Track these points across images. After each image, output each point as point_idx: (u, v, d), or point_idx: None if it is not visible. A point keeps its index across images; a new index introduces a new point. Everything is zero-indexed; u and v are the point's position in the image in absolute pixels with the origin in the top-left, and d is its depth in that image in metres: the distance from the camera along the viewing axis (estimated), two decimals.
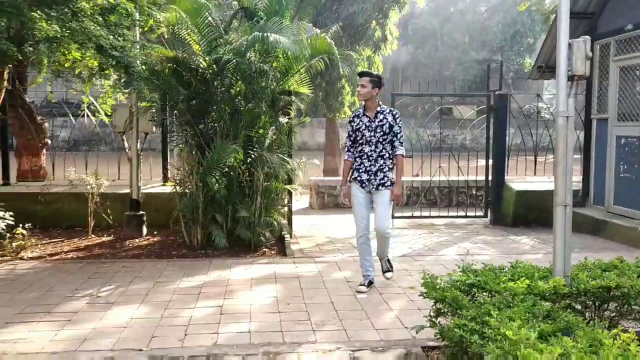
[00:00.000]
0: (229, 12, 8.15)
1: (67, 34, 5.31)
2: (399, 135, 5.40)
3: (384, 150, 5.38)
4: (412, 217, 9.61)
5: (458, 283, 3.63)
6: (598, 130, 9.19)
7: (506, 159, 9.76)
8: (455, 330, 3.05)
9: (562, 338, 2.72)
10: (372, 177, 5.38)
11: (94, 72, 7.25)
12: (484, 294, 3.55)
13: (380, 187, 5.38)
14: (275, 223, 7.48)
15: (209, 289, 5.51)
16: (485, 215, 9.68)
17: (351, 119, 5.51)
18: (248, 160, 7.33)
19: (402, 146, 5.42)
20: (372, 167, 5.37)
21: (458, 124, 21.91)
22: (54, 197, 8.46)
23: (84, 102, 10.12)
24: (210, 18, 7.32)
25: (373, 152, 5.37)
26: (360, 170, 5.42)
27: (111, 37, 5.72)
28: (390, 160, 5.42)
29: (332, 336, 4.28)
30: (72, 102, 12.13)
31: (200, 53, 7.38)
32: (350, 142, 5.50)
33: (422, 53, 40.59)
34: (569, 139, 3.82)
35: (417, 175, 10.80)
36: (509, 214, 9.46)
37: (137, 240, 7.80)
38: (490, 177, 9.67)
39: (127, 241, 7.74)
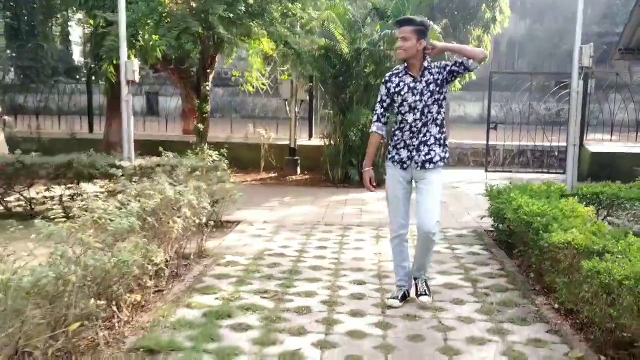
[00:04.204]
0: (364, 10, 10.94)
1: (266, 35, 8.44)
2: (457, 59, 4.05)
3: (431, 117, 4.03)
4: (502, 171, 12.04)
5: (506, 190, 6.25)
6: None
7: (585, 126, 11.85)
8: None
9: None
10: (415, 152, 4.06)
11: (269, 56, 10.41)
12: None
13: (426, 165, 4.06)
14: None
15: (351, 201, 8.51)
16: (564, 173, 11.88)
17: (388, 78, 4.12)
18: None
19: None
20: (414, 139, 4.04)
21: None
22: (233, 145, 11.83)
23: (234, 76, 13.28)
24: (351, 17, 10.18)
25: (418, 122, 4.02)
26: (399, 146, 4.10)
27: (291, 34, 8.76)
28: (439, 129, 4.09)
29: None
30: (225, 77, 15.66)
31: (343, 42, 10.26)
32: (382, 110, 4.15)
33: (540, 27, 40.99)
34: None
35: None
36: (584, 171, 11.62)
37: (294, 176, 10.99)
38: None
39: (287, 177, 10.94)
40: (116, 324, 3.61)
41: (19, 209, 7.11)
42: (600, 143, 12.52)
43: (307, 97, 11.58)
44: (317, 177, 10.80)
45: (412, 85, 4.05)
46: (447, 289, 4.61)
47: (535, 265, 4.77)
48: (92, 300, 3.05)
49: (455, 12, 18.90)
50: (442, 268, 5.19)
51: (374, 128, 4.21)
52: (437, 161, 4.09)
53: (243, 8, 7.89)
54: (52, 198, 6.94)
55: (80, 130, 13.17)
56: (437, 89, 4.04)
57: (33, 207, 7.08)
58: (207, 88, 9.77)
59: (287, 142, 11.55)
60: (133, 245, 3.49)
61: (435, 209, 4.07)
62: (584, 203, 5.58)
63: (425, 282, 4.34)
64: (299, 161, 11.26)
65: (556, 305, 4.18)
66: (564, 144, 13.43)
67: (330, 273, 5.00)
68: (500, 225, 6.00)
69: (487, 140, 12.00)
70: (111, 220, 3.34)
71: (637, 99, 14.54)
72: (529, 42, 41.34)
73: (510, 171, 12.00)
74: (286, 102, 11.28)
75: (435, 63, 4.10)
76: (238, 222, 6.91)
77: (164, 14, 8.09)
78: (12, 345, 2.50)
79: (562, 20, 40.51)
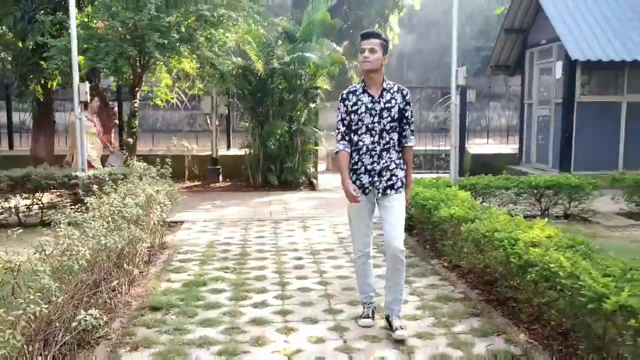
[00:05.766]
0: (276, 33, 12.27)
1: (195, 57, 9.55)
2: (411, 122, 4.06)
3: (391, 142, 3.96)
4: None
5: None
6: (527, 112, 13.30)
7: (466, 133, 13.88)
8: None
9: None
10: (377, 178, 3.97)
11: (190, 74, 11.45)
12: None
13: (388, 191, 3.99)
14: (307, 171, 11.72)
15: (274, 202, 9.77)
16: None
17: (345, 95, 4.00)
18: (291, 131, 11.51)
19: (413, 135, 4.13)
20: (376, 165, 3.95)
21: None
22: (159, 157, 12.69)
23: (144, 91, 14.12)
24: (265, 40, 11.47)
25: (376, 145, 3.93)
26: (360, 171, 3.99)
27: (216, 57, 9.90)
28: (397, 155, 4.03)
29: (344, 214, 8.49)
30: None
31: (258, 62, 11.51)
32: (345, 128, 4.01)
33: (426, 42, 44.41)
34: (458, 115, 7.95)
35: None
36: (467, 169, 13.61)
37: (217, 184, 12.07)
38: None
39: (210, 184, 11.99)
40: (118, 294, 4.66)
41: None
42: (479, 146, 14.64)
43: (227, 111, 12.71)
44: (239, 184, 11.93)
45: (370, 105, 3.92)
46: None
47: (429, 237, 6.30)
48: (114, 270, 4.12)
49: (351, 31, 20.70)
50: None
51: (340, 147, 4.01)
52: (399, 187, 4.01)
53: (176, 35, 8.96)
54: (9, 209, 7.63)
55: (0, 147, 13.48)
56: (397, 115, 3.94)
57: None
58: (136, 105, 10.66)
59: (207, 153, 12.59)
60: (131, 231, 4.57)
61: (401, 226, 3.99)
62: (464, 190, 7.20)
63: (398, 316, 4.04)
64: (220, 170, 12.35)
65: (445, 264, 5.71)
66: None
67: (273, 253, 6.25)
68: None
69: None
70: (126, 208, 4.41)
71: (513, 107, 16.95)
72: (416, 55, 44.60)
73: None
74: (208, 116, 12.35)
75: (399, 86, 4.04)
76: (182, 222, 7.96)
77: (98, 39, 8.97)
78: (80, 294, 3.54)
79: (446, 36, 44.14)
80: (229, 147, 13.77)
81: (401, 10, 21.63)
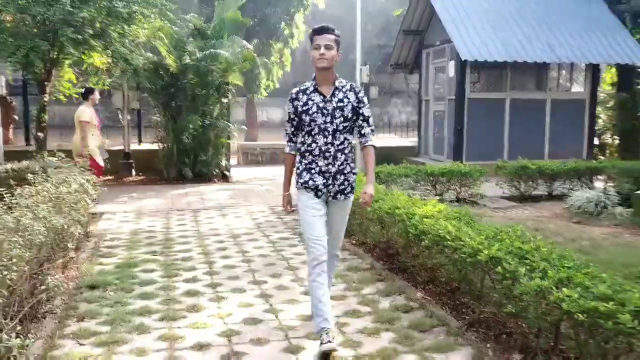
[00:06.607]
0: (187, 30, 12.55)
1: (110, 54, 9.72)
2: (370, 121, 3.84)
3: (345, 143, 3.77)
4: None
5: None
6: (424, 108, 14.44)
7: None
8: None
9: None
10: (331, 181, 3.77)
11: (100, 69, 11.51)
12: None
13: (339, 196, 3.82)
14: (221, 163, 12.14)
15: (191, 193, 10.15)
16: None
17: (294, 95, 3.81)
18: (204, 125, 11.87)
19: (373, 134, 3.88)
20: (331, 167, 3.75)
21: None
22: (68, 152, 12.63)
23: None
24: (177, 36, 11.75)
25: (330, 146, 3.73)
26: (313, 171, 3.77)
27: (130, 53, 10.10)
28: (351, 157, 3.88)
29: (259, 203, 9.05)
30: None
31: (170, 58, 11.76)
32: (293, 129, 3.86)
33: None
34: None
35: None
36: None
37: (130, 177, 12.20)
38: None
39: (123, 178, 12.11)
40: (55, 276, 4.96)
41: None
42: (382, 140, 15.66)
43: (139, 106, 12.84)
44: (153, 177, 12.14)
45: (321, 105, 3.71)
46: (283, 240, 6.63)
47: None
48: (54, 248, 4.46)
49: (257, 28, 21.14)
50: (277, 229, 7.20)
51: (287, 149, 3.88)
52: (348, 192, 3.83)
53: (90, 30, 9.09)
54: None
55: None
56: (350, 115, 3.73)
57: None
58: (46, 100, 10.61)
59: (118, 148, 12.67)
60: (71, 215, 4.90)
61: (342, 233, 4.01)
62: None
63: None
64: (133, 164, 12.48)
65: (354, 242, 6.42)
66: None
67: (196, 238, 6.71)
68: None
69: None
70: (66, 195, 4.73)
71: (412, 104, 18.16)
72: None
73: None
74: (119, 111, 12.43)
75: (351, 84, 3.85)
76: (102, 213, 8.18)
77: (9, 34, 8.94)
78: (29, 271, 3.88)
79: (349, 34, 45.64)
80: (140, 141, 13.87)
81: (306, 9, 22.36)
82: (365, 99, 3.84)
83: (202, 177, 11.79)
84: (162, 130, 12.00)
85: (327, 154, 3.73)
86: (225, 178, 12.08)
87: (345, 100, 3.74)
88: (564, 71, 13.70)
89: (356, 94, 3.79)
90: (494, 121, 12.60)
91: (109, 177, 12.16)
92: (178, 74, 11.71)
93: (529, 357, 3.47)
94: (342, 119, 3.71)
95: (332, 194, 3.79)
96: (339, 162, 3.74)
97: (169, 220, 7.80)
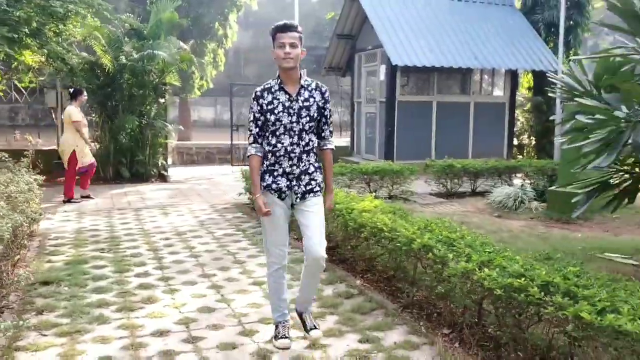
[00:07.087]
0: (123, 30, 12.54)
1: (45, 53, 9.65)
2: (330, 123, 3.79)
3: (310, 143, 3.66)
4: (245, 165, 14.73)
5: None
6: (357, 109, 15.01)
7: None
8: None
9: None
10: (295, 182, 3.65)
11: (31, 67, 11.35)
12: None
13: (307, 196, 3.68)
14: (158, 163, 12.22)
15: (130, 193, 10.22)
16: None
17: (259, 93, 3.64)
18: (141, 125, 11.93)
19: (332, 137, 3.84)
20: (295, 168, 3.63)
21: None
22: None
23: None
24: (113, 36, 11.74)
25: (296, 147, 3.61)
26: (276, 174, 3.65)
27: (66, 52, 10.06)
28: (315, 157, 3.75)
29: (200, 202, 9.27)
30: None
31: (106, 57, 11.74)
32: (258, 129, 3.67)
33: (262, 39, 45.80)
34: None
35: None
36: None
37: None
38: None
39: (57, 179, 11.96)
40: (5, 274, 5.07)
41: None
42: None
43: None
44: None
45: (287, 104, 3.58)
46: (228, 236, 6.92)
47: None
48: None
49: (191, 28, 21.09)
50: (221, 226, 7.48)
51: (252, 150, 3.66)
52: (317, 191, 3.69)
53: (26, 29, 9.02)
54: None
55: None
56: (316, 115, 3.63)
57: None
58: None
59: (52, 147, 12.50)
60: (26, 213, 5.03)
61: (323, 231, 3.70)
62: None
63: (310, 315, 3.91)
64: None
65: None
66: None
67: (142, 235, 6.90)
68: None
69: (232, 140, 14.59)
70: (18, 194, 4.85)
71: (345, 105, 18.71)
72: (253, 52, 45.91)
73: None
74: (52, 110, 12.26)
75: (317, 83, 3.70)
76: (41, 213, 8.16)
77: None
78: None
79: None
80: None
81: (240, 9, 22.54)
82: (329, 100, 3.72)
83: (139, 176, 11.84)
84: (98, 130, 11.95)
85: (292, 155, 3.59)
86: (163, 178, 12.18)
87: (311, 99, 3.62)
88: (486, 76, 14.65)
89: (322, 93, 3.67)
90: (422, 122, 13.32)
91: (43, 177, 12.00)
92: (115, 74, 11.71)
93: (455, 331, 3.97)
94: (308, 118, 3.59)
95: (299, 195, 3.64)
96: (303, 163, 3.61)
97: (111, 219, 7.91)
